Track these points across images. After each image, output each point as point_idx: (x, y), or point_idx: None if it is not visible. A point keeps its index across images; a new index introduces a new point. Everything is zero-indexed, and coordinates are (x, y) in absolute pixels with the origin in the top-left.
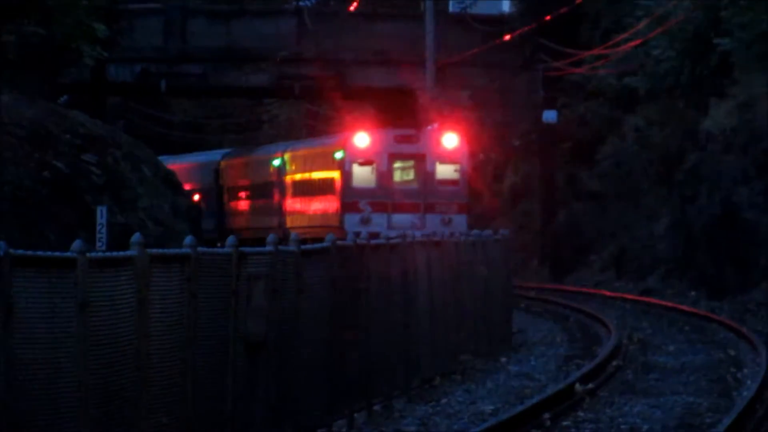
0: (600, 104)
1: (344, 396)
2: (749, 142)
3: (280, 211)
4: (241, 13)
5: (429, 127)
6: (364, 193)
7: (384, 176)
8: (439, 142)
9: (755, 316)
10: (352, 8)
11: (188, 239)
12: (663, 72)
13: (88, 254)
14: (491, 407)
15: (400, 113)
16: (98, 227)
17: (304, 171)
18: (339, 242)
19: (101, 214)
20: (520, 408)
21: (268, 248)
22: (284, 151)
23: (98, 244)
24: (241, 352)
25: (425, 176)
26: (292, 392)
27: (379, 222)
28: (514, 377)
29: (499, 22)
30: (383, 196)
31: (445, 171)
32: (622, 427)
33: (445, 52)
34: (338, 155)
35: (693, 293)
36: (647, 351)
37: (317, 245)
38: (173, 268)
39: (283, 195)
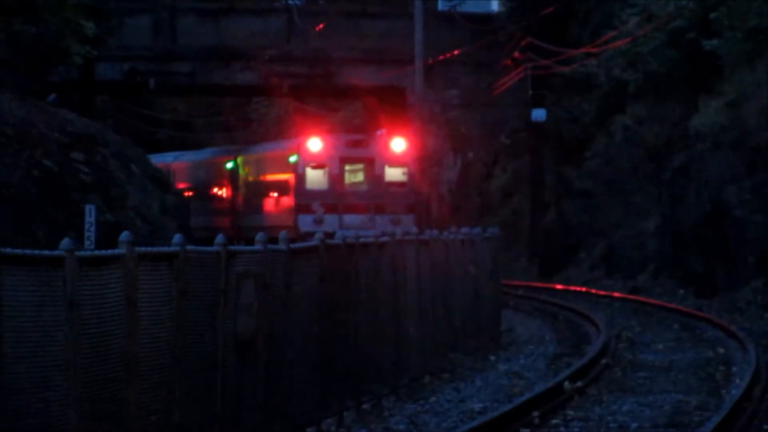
0: (589, 102)
1: (333, 394)
2: (738, 140)
3: (234, 212)
4: (230, 11)
5: (378, 132)
6: (316, 195)
7: (336, 179)
8: (387, 147)
9: (744, 314)
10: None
11: (177, 237)
12: (652, 69)
13: (76, 253)
14: (480, 405)
15: (389, 111)
16: (87, 225)
17: (258, 174)
18: (328, 241)
19: (90, 212)
20: (509, 406)
21: (258, 247)
22: (237, 155)
23: (87, 242)
24: (230, 351)
25: (374, 179)
26: (282, 390)
27: (331, 222)
28: (503, 375)
29: (488, 21)
30: (335, 198)
31: (393, 173)
32: (611, 425)
33: (434, 51)
34: (292, 159)
35: (682, 291)
36: (636, 349)
37: (306, 243)
38: (162, 266)
39: (236, 196)
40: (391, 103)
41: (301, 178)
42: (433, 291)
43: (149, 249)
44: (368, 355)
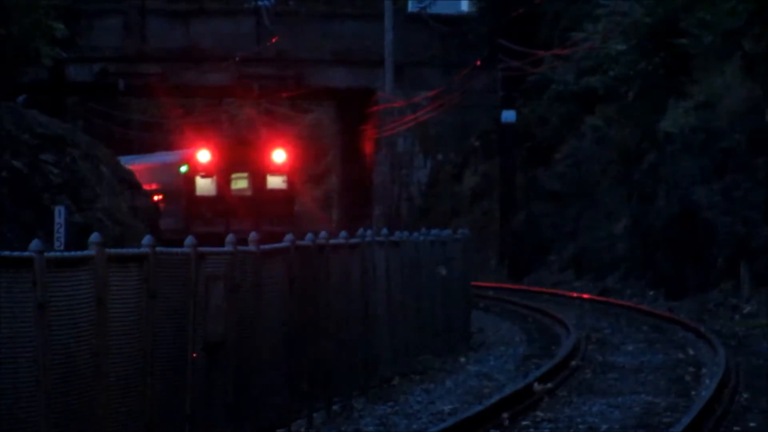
0: (559, 104)
1: (303, 396)
2: (708, 141)
3: None
4: (200, 12)
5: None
6: (205, 200)
7: (222, 186)
8: (269, 157)
9: (714, 316)
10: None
11: (146, 239)
12: (621, 72)
13: (46, 254)
14: (450, 407)
15: (360, 112)
16: (56, 227)
17: (150, 182)
18: (299, 242)
19: (59, 213)
20: (478, 408)
21: (227, 248)
22: (125, 164)
23: (56, 243)
24: (199, 352)
25: (257, 186)
26: (251, 392)
27: (219, 225)
28: (473, 377)
29: (458, 22)
30: (222, 204)
31: (274, 182)
32: (581, 426)
33: (404, 52)
34: (183, 169)
35: (652, 293)
36: (606, 351)
37: (277, 245)
38: (131, 267)
39: None
40: (362, 105)
41: (191, 185)
42: (403, 292)
43: (119, 250)
44: (338, 356)
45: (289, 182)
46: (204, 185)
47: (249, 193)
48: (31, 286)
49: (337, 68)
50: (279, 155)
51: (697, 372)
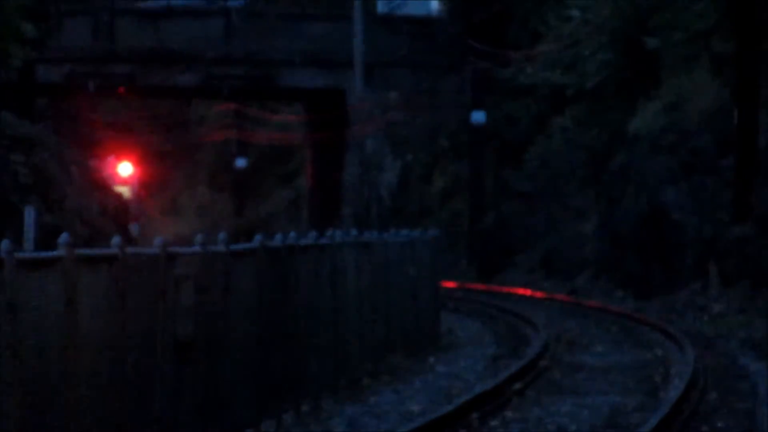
0: (528, 104)
1: (272, 396)
2: (676, 142)
3: None
4: (169, 13)
5: (108, 158)
6: None
7: None
8: (115, 170)
9: (682, 316)
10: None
11: (116, 239)
12: (590, 71)
13: (16, 254)
14: (419, 407)
15: (330, 113)
16: (26, 227)
17: None
18: (268, 243)
19: (29, 214)
20: (448, 408)
21: (196, 248)
22: None
23: (26, 244)
24: (169, 353)
25: None
26: (220, 393)
27: None
28: (443, 377)
29: (428, 23)
30: None
31: (121, 191)
32: (550, 426)
33: (374, 53)
34: None
35: (620, 293)
36: (575, 351)
37: (246, 245)
38: (101, 268)
39: None
40: (331, 105)
41: None
42: (373, 293)
43: (88, 251)
44: (307, 357)
45: (134, 192)
46: None
47: None
48: (1, 286)
49: (306, 69)
50: (125, 168)
51: (666, 372)
